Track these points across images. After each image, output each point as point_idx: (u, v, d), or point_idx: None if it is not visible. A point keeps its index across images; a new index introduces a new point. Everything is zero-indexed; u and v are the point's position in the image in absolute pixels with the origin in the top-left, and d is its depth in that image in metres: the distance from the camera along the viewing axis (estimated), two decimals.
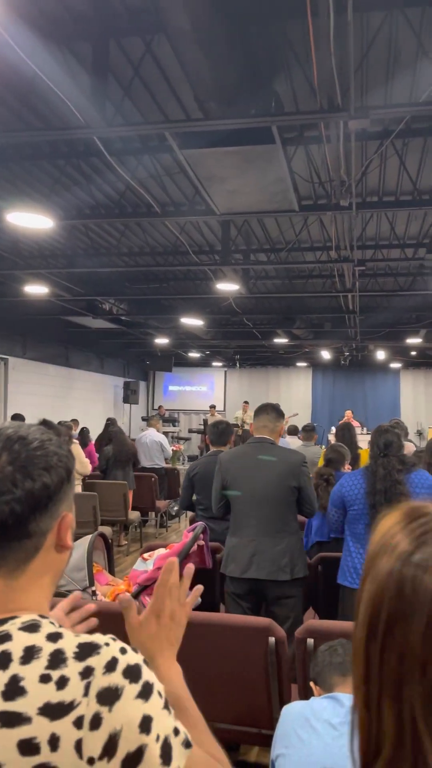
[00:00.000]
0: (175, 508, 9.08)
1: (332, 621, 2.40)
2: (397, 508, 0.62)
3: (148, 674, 0.77)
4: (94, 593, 3.02)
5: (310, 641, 2.27)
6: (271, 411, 3.40)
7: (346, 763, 0.62)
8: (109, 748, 0.70)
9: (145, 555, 3.10)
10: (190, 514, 5.08)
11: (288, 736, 1.57)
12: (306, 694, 2.22)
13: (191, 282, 10.08)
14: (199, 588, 1.05)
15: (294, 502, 3.17)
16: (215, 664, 2.45)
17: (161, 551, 3.11)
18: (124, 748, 0.71)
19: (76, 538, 4.10)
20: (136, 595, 2.97)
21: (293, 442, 7.69)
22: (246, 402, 15.79)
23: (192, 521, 4.38)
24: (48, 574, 0.87)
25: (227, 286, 8.10)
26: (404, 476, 2.96)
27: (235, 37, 3.30)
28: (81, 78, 3.81)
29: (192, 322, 10.75)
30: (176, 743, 0.75)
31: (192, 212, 6.09)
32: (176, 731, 0.76)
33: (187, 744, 0.77)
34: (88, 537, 3.28)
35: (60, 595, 3.27)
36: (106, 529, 6.53)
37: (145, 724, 0.72)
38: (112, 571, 3.58)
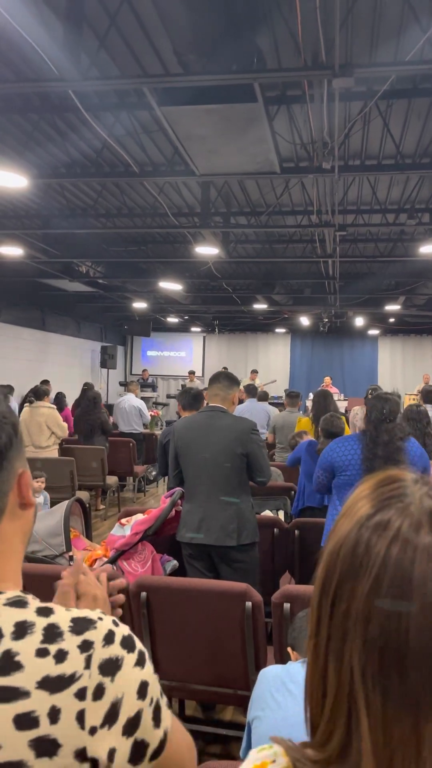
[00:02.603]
0: (153, 473, 9.12)
1: (309, 586, 2.43)
2: (372, 476, 0.64)
3: (139, 643, 0.80)
4: (71, 558, 3.01)
5: (287, 606, 2.30)
6: (223, 379, 3.42)
7: None
8: (111, 715, 0.73)
9: (123, 520, 3.10)
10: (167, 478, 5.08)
11: (264, 699, 1.59)
12: (282, 657, 2.26)
13: (170, 245, 9.91)
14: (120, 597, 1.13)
15: (243, 469, 3.18)
16: (193, 627, 2.48)
17: (139, 516, 3.11)
18: (125, 715, 0.74)
19: (54, 503, 4.08)
20: (113, 560, 2.99)
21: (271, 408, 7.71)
22: (225, 368, 15.80)
23: (169, 487, 4.38)
24: (18, 535, 0.86)
25: (207, 250, 7.98)
26: (404, 444, 2.97)
27: None
28: (54, 26, 3.63)
29: (170, 286, 10.61)
30: (163, 704, 0.80)
31: (171, 173, 5.94)
32: (162, 693, 0.81)
33: (168, 705, 0.82)
34: (65, 502, 3.26)
35: (37, 561, 3.24)
36: (84, 494, 6.53)
37: (142, 690, 0.76)
38: (89, 536, 3.58)
